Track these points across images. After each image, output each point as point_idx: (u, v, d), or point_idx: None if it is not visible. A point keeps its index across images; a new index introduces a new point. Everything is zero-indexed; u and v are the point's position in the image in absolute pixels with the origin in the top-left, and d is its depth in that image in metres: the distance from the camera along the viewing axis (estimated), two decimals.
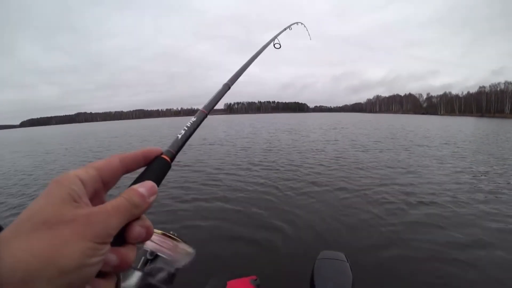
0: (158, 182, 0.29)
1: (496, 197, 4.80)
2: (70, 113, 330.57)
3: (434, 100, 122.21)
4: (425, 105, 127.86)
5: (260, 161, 8.37)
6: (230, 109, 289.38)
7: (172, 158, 0.32)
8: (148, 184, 0.27)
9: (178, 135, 0.36)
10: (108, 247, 0.22)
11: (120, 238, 0.24)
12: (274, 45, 0.87)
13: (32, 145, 20.45)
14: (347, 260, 1.06)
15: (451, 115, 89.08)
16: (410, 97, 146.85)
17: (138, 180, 0.28)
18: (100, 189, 0.26)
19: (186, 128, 0.38)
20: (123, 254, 0.24)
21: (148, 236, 0.27)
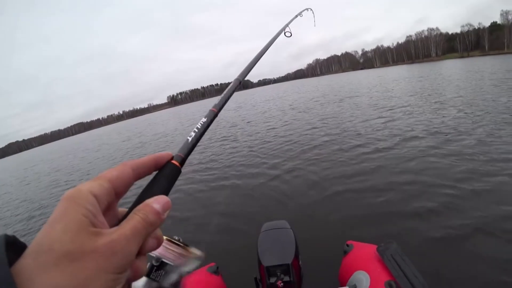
0: (169, 190, 0.28)
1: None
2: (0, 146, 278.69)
3: (369, 54, 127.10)
4: (361, 60, 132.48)
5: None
6: (174, 101, 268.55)
7: (182, 162, 0.31)
8: (162, 199, 0.26)
9: (188, 138, 0.34)
10: (128, 271, 0.22)
11: None
12: (285, 33, 0.82)
13: None
14: (290, 226, 1.06)
15: (386, 66, 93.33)
16: (347, 56, 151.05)
17: (149, 189, 0.27)
18: (113, 200, 0.25)
19: (196, 130, 0.35)
20: (137, 266, 0.24)
21: (159, 246, 0.27)
